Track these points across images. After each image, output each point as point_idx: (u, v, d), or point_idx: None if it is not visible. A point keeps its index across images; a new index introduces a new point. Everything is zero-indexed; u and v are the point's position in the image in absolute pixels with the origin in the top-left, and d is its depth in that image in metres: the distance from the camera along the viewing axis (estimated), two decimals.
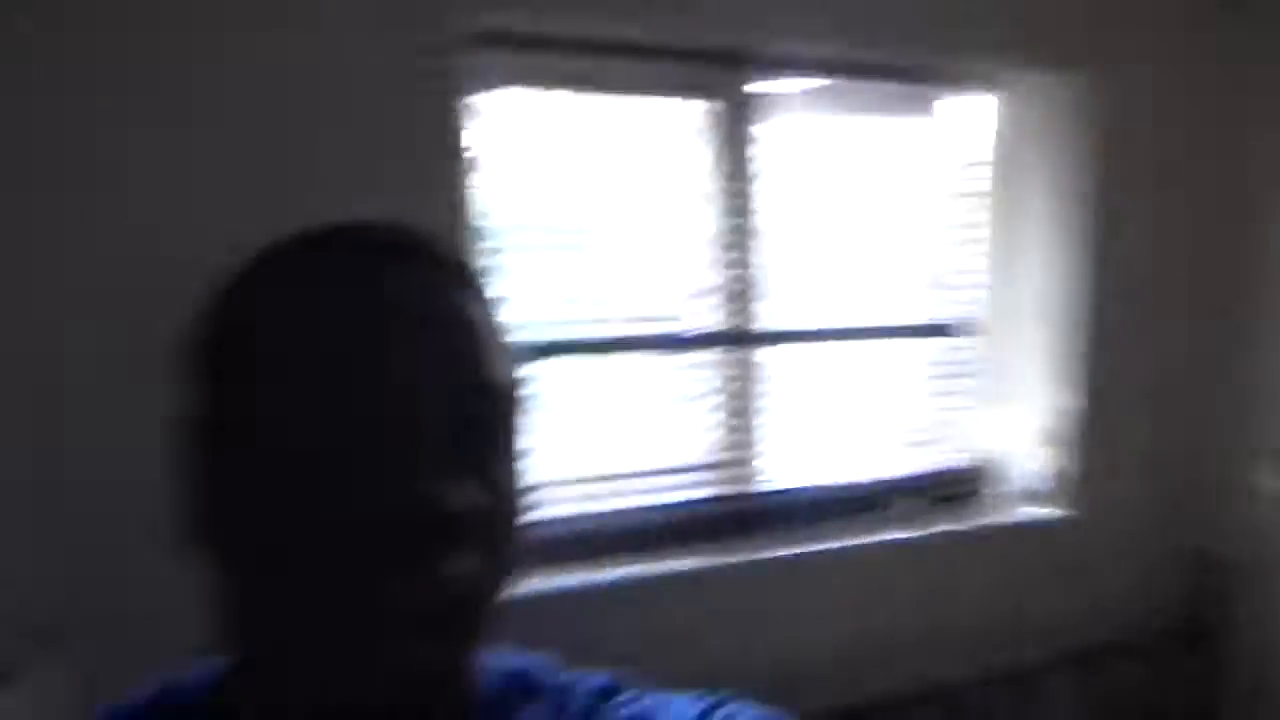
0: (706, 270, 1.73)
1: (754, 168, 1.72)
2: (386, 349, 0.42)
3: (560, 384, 1.66)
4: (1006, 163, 1.89)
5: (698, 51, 1.64)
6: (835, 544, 1.72)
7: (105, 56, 1.20)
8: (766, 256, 1.75)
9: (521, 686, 0.53)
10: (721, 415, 1.78)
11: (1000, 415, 1.94)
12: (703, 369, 1.77)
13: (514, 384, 0.48)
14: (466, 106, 1.42)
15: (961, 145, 1.90)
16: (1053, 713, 1.75)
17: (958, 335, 1.93)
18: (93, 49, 1.19)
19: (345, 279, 0.44)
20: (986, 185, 1.91)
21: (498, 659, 0.53)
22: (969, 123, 1.89)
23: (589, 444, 1.71)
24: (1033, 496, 1.88)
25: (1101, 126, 1.78)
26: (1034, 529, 1.85)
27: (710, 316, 1.75)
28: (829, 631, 1.69)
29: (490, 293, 0.49)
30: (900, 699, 1.66)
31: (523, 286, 1.59)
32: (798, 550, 1.69)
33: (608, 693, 0.53)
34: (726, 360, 1.77)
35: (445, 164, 1.39)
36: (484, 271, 0.52)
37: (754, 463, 1.79)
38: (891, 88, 1.82)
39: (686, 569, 1.64)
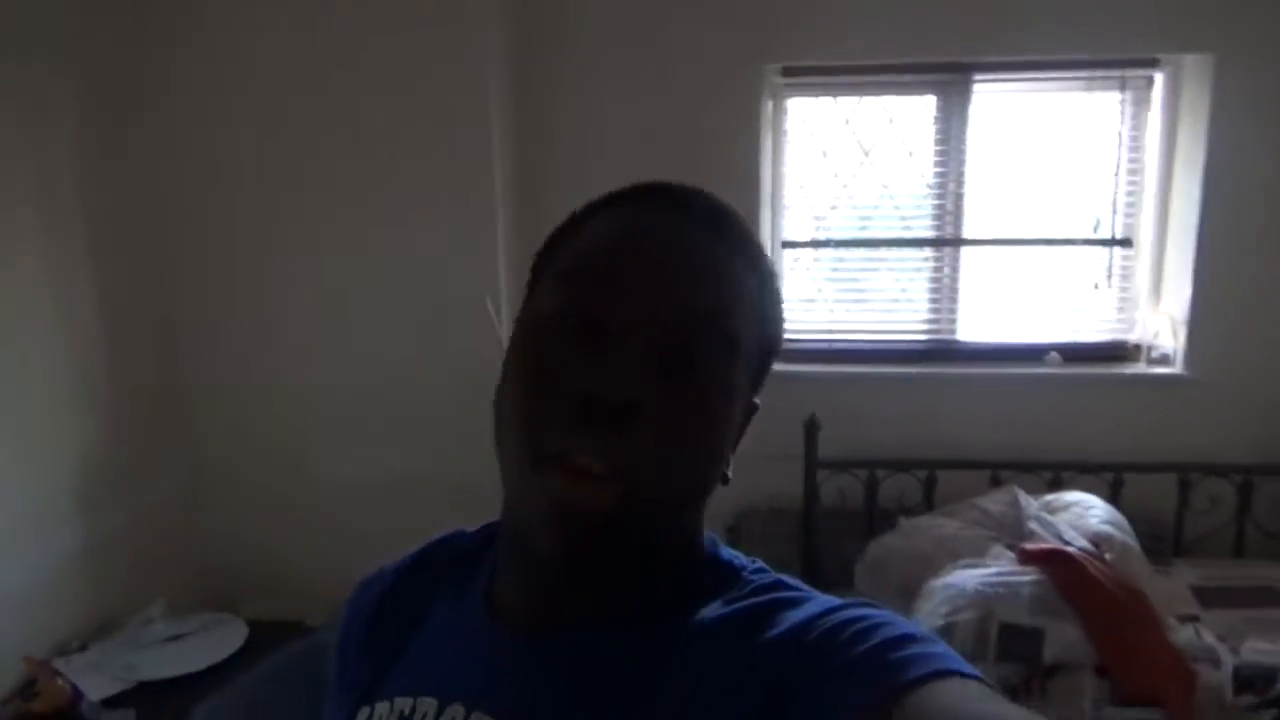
0: (931, 197, 2.86)
1: (969, 132, 2.78)
2: (629, 272, 0.54)
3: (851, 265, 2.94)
4: (1168, 126, 2.72)
5: (934, 65, 2.73)
6: (1001, 371, 2.79)
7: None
8: (974, 187, 2.82)
9: (727, 574, 0.60)
10: (933, 292, 2.91)
11: (1147, 305, 2.81)
12: (930, 261, 2.91)
13: (750, 336, 0.57)
14: (778, 109, 2.71)
15: (1135, 113, 2.75)
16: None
17: (1123, 246, 2.82)
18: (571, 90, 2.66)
19: (621, 218, 0.58)
20: (1155, 142, 2.76)
21: (718, 552, 0.63)
22: (1142, 97, 2.75)
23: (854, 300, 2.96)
24: (1161, 362, 2.76)
25: (1224, 98, 2.56)
26: (1155, 381, 2.74)
27: (934, 226, 2.87)
28: (986, 428, 2.78)
29: (766, 265, 0.60)
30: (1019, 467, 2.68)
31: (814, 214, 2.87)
32: (974, 371, 2.80)
33: (778, 585, 0.59)
34: (944, 255, 2.89)
35: (765, 145, 2.69)
36: (766, 249, 0.61)
37: (956, 322, 2.91)
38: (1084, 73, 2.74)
39: (905, 374, 2.83)
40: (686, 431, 0.53)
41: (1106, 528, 2.19)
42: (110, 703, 2.02)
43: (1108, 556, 2.10)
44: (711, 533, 0.63)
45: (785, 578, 0.59)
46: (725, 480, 0.59)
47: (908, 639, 0.49)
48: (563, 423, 0.52)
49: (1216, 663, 2.10)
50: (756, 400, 0.62)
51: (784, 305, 0.63)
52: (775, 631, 0.53)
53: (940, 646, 0.49)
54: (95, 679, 2.07)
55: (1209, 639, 2.16)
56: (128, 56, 2.42)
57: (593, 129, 2.75)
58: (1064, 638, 2.02)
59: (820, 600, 0.55)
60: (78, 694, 2.01)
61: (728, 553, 0.62)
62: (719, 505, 2.59)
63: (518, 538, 0.59)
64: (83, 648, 2.18)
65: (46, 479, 2.20)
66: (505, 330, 2.59)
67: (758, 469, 2.70)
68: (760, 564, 0.62)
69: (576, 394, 0.51)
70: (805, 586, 0.58)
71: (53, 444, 2.22)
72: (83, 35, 2.29)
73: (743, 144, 2.73)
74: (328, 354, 2.62)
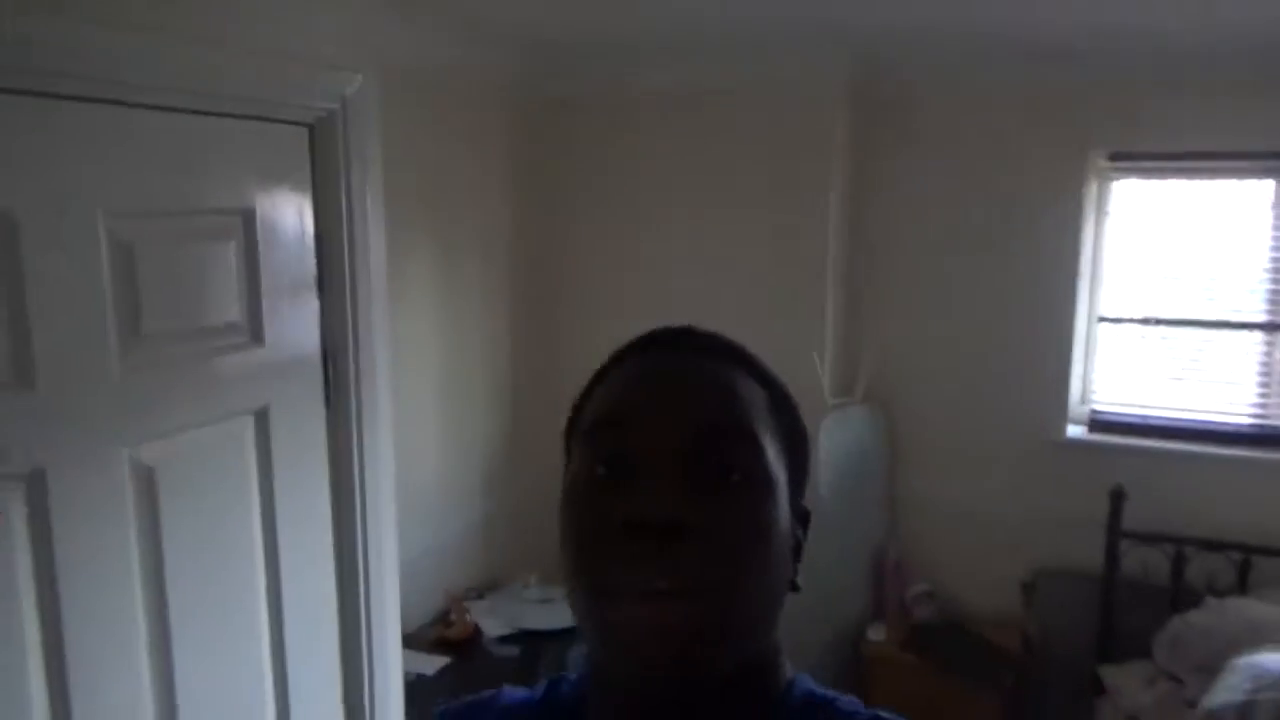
0: (1267, 280, 2.89)
1: None
2: (642, 407, 0.60)
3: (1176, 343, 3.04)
4: None
5: (1271, 151, 2.80)
6: None
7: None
8: None
9: (820, 709, 0.61)
10: (1262, 376, 2.93)
11: None
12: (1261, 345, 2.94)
13: (771, 437, 0.60)
14: (1100, 192, 2.91)
15: None
16: None
17: None
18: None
19: (625, 368, 0.64)
20: None
21: (810, 687, 0.64)
22: None
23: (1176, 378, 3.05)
24: None
25: None
26: None
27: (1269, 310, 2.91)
28: None
29: (773, 378, 0.65)
30: None
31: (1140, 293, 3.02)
32: None
33: None
34: (1276, 340, 2.91)
35: (1087, 225, 2.90)
36: (765, 367, 0.65)
37: None
38: None
39: (1225, 455, 2.88)
40: (736, 533, 0.56)
41: None
42: (501, 640, 2.65)
43: None
44: (802, 675, 0.65)
45: (884, 714, 0.60)
46: (795, 588, 0.62)
47: None
48: (612, 560, 0.55)
49: None
50: (806, 506, 0.65)
51: (796, 404, 0.66)
52: None
53: None
54: (490, 621, 2.72)
55: None
56: (549, 164, 3.17)
57: (923, 204, 3.10)
58: None
59: None
60: (478, 630, 2.67)
61: (820, 689, 0.64)
62: (1014, 560, 2.81)
63: (606, 685, 0.62)
64: (480, 596, 2.85)
65: (465, 463, 2.93)
66: (827, 378, 3.00)
67: (1057, 532, 2.90)
68: (855, 699, 0.62)
69: (618, 529, 0.54)
70: None
71: (473, 437, 2.96)
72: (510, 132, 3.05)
73: (1063, 225, 2.95)
74: None
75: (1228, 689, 2.25)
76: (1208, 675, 2.38)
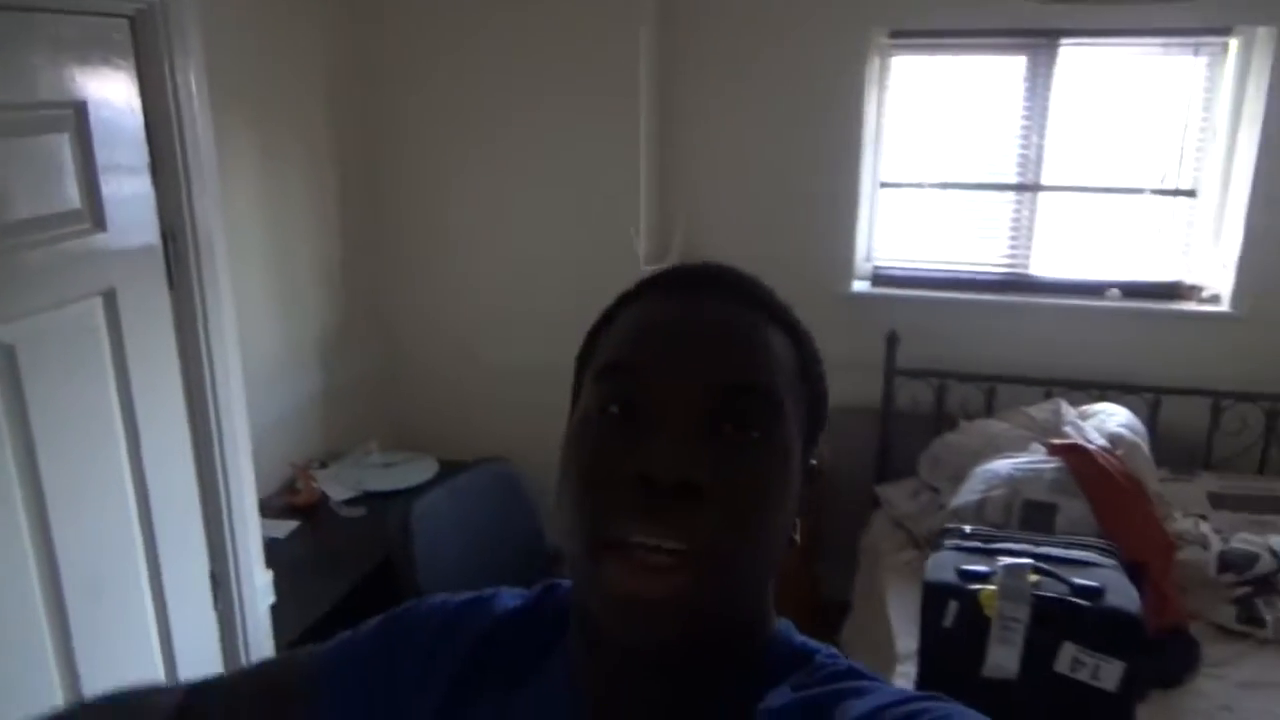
0: (1017, 146, 3.37)
1: (1053, 90, 3.27)
2: (663, 353, 0.58)
3: (941, 204, 3.50)
4: (1238, 89, 3.15)
5: (1025, 30, 3.22)
6: (1065, 303, 3.33)
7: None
8: (1055, 139, 3.32)
9: (799, 661, 0.61)
10: (1013, 231, 3.45)
11: (1207, 250, 3.28)
12: (1011, 204, 3.44)
13: (793, 396, 0.59)
14: (883, 67, 3.27)
15: (1209, 76, 3.19)
16: None
17: (1188, 196, 3.29)
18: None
19: (649, 305, 0.62)
20: (1225, 103, 3.19)
21: (791, 638, 0.64)
22: (1216, 62, 3.17)
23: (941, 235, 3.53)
24: (1211, 301, 3.24)
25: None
26: (1203, 318, 3.22)
27: (1018, 173, 3.40)
28: (1047, 352, 3.33)
29: (799, 327, 0.64)
30: (1069, 385, 3.25)
31: (914, 160, 3.44)
32: (1041, 301, 3.35)
33: (849, 673, 0.60)
34: (1024, 199, 3.41)
35: (870, 98, 3.26)
36: (796, 319, 0.64)
37: (1030, 257, 3.44)
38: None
39: (980, 300, 3.41)
40: (746, 501, 0.55)
41: (1121, 430, 2.76)
42: (347, 503, 2.88)
43: (1119, 452, 2.68)
44: (786, 620, 0.65)
45: (857, 665, 0.61)
46: (793, 545, 0.62)
47: None
48: (619, 509, 0.54)
49: (1206, 546, 2.67)
50: (814, 462, 0.65)
51: (823, 364, 0.65)
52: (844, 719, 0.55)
53: None
54: (334, 487, 2.94)
55: (1204, 529, 2.73)
56: (364, 42, 3.19)
57: (725, 81, 3.37)
58: (1074, 513, 2.62)
59: (889, 690, 0.57)
60: (324, 495, 2.88)
61: (800, 639, 0.64)
62: None
63: (586, 623, 0.62)
64: (323, 465, 3.05)
65: (299, 340, 3.07)
66: (642, 248, 3.28)
67: (845, 375, 3.38)
68: (833, 650, 0.63)
69: (628, 478, 0.54)
70: (877, 676, 0.60)
71: (304, 314, 3.09)
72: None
73: (849, 97, 3.31)
74: (493, 264, 3.39)
75: (968, 491, 2.79)
76: (957, 482, 2.94)
